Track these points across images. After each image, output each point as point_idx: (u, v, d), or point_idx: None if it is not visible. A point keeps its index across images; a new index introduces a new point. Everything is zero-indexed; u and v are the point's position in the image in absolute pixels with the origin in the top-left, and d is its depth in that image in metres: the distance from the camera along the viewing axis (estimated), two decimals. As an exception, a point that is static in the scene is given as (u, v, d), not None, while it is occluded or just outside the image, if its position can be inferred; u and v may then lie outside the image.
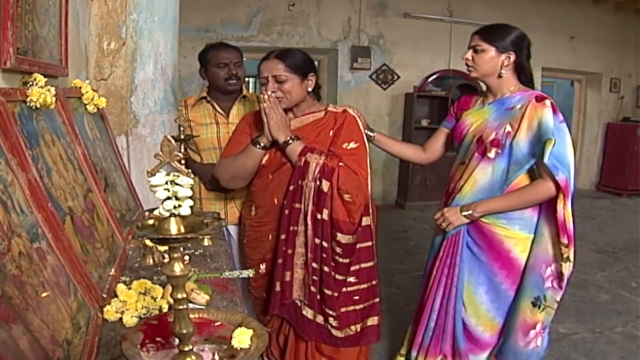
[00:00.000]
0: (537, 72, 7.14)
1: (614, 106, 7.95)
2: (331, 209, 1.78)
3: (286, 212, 1.82)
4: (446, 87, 6.54)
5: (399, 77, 6.58)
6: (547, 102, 1.80)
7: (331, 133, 1.89)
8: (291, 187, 1.82)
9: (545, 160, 1.72)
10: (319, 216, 1.79)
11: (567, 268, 1.83)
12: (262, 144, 1.85)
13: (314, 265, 1.82)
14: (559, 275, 1.85)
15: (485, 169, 1.90)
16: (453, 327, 2.00)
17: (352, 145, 1.87)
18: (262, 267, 1.96)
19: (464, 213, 1.89)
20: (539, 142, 1.77)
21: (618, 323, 3.19)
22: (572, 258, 1.82)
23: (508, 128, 1.84)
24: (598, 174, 8.04)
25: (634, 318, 3.26)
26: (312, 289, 1.83)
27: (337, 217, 1.78)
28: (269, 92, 1.80)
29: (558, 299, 1.90)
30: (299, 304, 1.88)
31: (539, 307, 1.90)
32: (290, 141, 1.81)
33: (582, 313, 3.33)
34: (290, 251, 1.83)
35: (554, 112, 1.78)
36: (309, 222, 1.80)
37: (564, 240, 1.79)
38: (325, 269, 1.81)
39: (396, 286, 3.59)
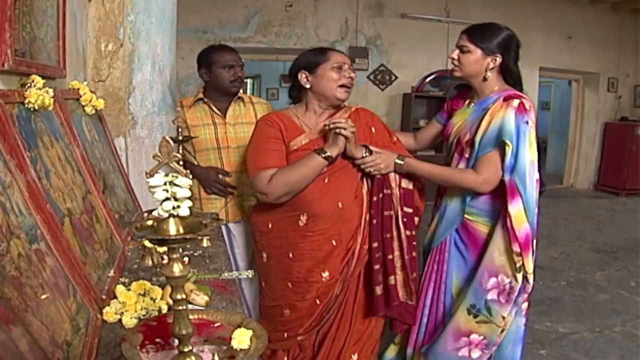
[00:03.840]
0: (534, 72, 7.17)
1: (612, 106, 7.97)
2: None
3: (374, 221, 1.86)
4: (444, 87, 6.55)
5: (396, 77, 6.60)
6: (515, 102, 1.76)
7: (373, 130, 1.95)
8: (374, 198, 1.87)
9: (507, 162, 1.74)
10: (409, 211, 1.89)
11: (519, 279, 1.76)
12: (332, 157, 1.76)
13: (407, 257, 1.89)
14: (510, 289, 1.79)
15: (463, 167, 1.91)
16: (443, 324, 2.01)
17: (395, 138, 2.00)
18: (325, 274, 1.86)
19: (397, 160, 1.86)
20: (496, 139, 1.76)
21: (617, 322, 3.19)
22: (529, 269, 1.75)
23: (476, 126, 1.85)
24: (596, 174, 8.06)
25: (633, 317, 3.27)
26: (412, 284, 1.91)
27: (418, 205, 1.96)
28: (350, 75, 1.85)
29: (505, 314, 1.82)
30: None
31: (475, 316, 1.86)
32: (367, 154, 1.83)
33: (581, 312, 3.34)
34: (390, 257, 1.87)
35: (520, 112, 1.74)
36: (401, 226, 1.86)
37: (515, 248, 1.74)
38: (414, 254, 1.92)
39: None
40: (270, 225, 1.91)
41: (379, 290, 1.86)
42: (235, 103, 2.39)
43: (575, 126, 8.19)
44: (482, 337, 1.87)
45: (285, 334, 1.93)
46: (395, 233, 1.87)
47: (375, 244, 1.85)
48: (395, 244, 1.87)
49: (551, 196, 7.42)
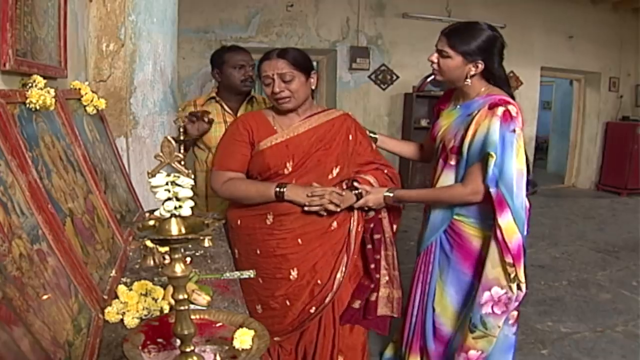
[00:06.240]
0: (536, 72, 7.16)
1: (613, 105, 7.95)
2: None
3: (369, 246, 1.96)
4: (445, 87, 6.51)
5: (397, 77, 6.58)
6: (499, 110, 1.69)
7: (350, 137, 1.94)
8: (372, 225, 1.97)
9: (489, 174, 1.70)
10: (395, 229, 2.04)
11: (515, 289, 1.74)
12: (286, 199, 1.80)
13: (394, 273, 2.04)
14: (507, 299, 1.77)
15: (448, 175, 1.89)
16: (433, 323, 2.02)
17: (374, 146, 2.07)
18: (294, 273, 1.88)
19: (385, 194, 1.91)
20: (482, 151, 1.72)
21: (619, 322, 3.18)
22: (522, 278, 1.73)
23: (462, 134, 1.80)
24: (598, 173, 8.04)
25: (634, 317, 3.26)
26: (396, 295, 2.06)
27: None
28: (274, 90, 1.79)
29: (500, 324, 1.81)
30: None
31: (471, 332, 1.84)
32: (358, 193, 1.89)
33: (583, 312, 3.33)
34: (377, 275, 2.00)
35: (505, 120, 1.68)
36: (389, 246, 2.01)
37: (508, 259, 1.71)
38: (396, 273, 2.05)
39: (397, 286, 3.59)
40: (239, 222, 1.95)
41: (357, 304, 1.97)
42: (248, 103, 2.44)
43: (576, 126, 8.17)
44: (480, 352, 1.86)
45: None
46: (383, 253, 2.00)
47: (372, 265, 1.97)
48: (383, 264, 2.01)
49: (552, 196, 7.41)
